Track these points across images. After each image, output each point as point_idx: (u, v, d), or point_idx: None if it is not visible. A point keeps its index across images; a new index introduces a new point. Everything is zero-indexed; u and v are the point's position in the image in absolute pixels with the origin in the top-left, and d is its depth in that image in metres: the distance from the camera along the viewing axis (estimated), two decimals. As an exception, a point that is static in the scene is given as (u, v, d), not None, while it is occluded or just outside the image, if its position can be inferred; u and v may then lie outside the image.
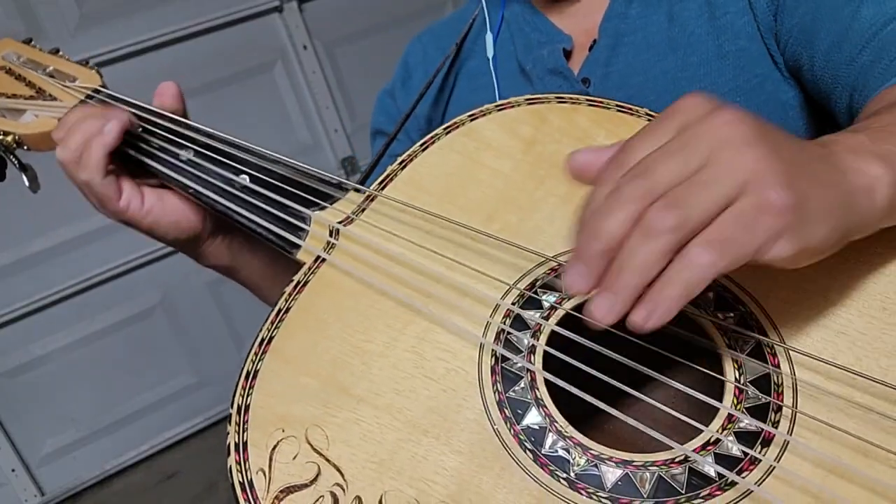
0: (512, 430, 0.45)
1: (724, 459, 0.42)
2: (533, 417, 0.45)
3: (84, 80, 0.74)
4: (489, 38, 0.77)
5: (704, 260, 0.34)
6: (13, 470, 2.10)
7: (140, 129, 0.67)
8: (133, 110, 0.68)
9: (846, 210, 0.38)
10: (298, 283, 0.54)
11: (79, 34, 1.99)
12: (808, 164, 0.37)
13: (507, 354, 0.48)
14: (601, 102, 0.60)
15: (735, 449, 0.42)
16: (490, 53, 0.77)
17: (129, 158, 0.67)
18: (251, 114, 2.22)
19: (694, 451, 0.42)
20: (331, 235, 0.57)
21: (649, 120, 0.58)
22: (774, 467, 0.40)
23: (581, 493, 0.42)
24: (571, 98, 0.61)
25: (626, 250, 0.35)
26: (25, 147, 0.72)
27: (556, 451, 0.43)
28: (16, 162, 0.72)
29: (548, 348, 0.48)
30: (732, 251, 0.34)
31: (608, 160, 0.38)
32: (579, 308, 0.51)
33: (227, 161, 0.64)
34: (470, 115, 0.62)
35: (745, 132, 0.35)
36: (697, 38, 0.67)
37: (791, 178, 0.35)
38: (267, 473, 0.44)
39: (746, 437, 0.42)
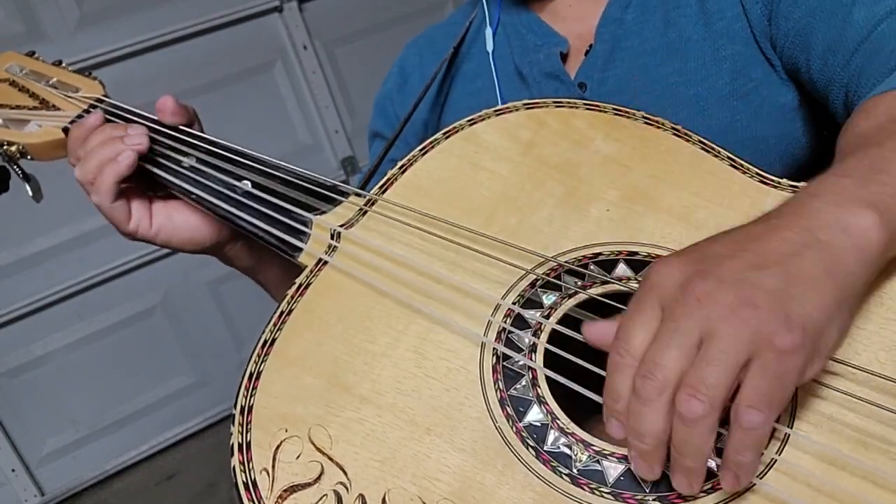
0: (514, 428, 0.45)
1: None
2: (535, 415, 0.46)
3: (87, 90, 0.74)
4: (488, 32, 0.77)
5: (757, 421, 0.36)
6: (13, 470, 2.09)
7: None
8: (139, 120, 0.69)
9: (842, 285, 0.39)
10: (301, 285, 0.55)
11: (79, 34, 1.99)
12: (794, 269, 0.38)
13: (509, 353, 0.48)
14: (598, 106, 0.61)
15: None
16: (490, 47, 0.76)
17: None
18: (251, 114, 2.21)
19: None
20: (332, 238, 0.58)
21: (646, 122, 0.59)
22: (776, 460, 0.41)
23: (584, 489, 0.42)
24: (569, 102, 0.62)
25: (678, 444, 0.37)
26: (29, 157, 0.72)
27: (559, 448, 0.44)
28: (19, 172, 0.72)
29: (549, 346, 0.48)
30: (776, 401, 0.36)
31: (612, 345, 0.40)
32: (579, 308, 0.51)
33: (230, 167, 0.65)
34: (469, 120, 0.62)
35: (724, 298, 0.37)
36: (694, 43, 0.67)
37: (787, 311, 0.36)
38: (270, 473, 0.45)
39: None
